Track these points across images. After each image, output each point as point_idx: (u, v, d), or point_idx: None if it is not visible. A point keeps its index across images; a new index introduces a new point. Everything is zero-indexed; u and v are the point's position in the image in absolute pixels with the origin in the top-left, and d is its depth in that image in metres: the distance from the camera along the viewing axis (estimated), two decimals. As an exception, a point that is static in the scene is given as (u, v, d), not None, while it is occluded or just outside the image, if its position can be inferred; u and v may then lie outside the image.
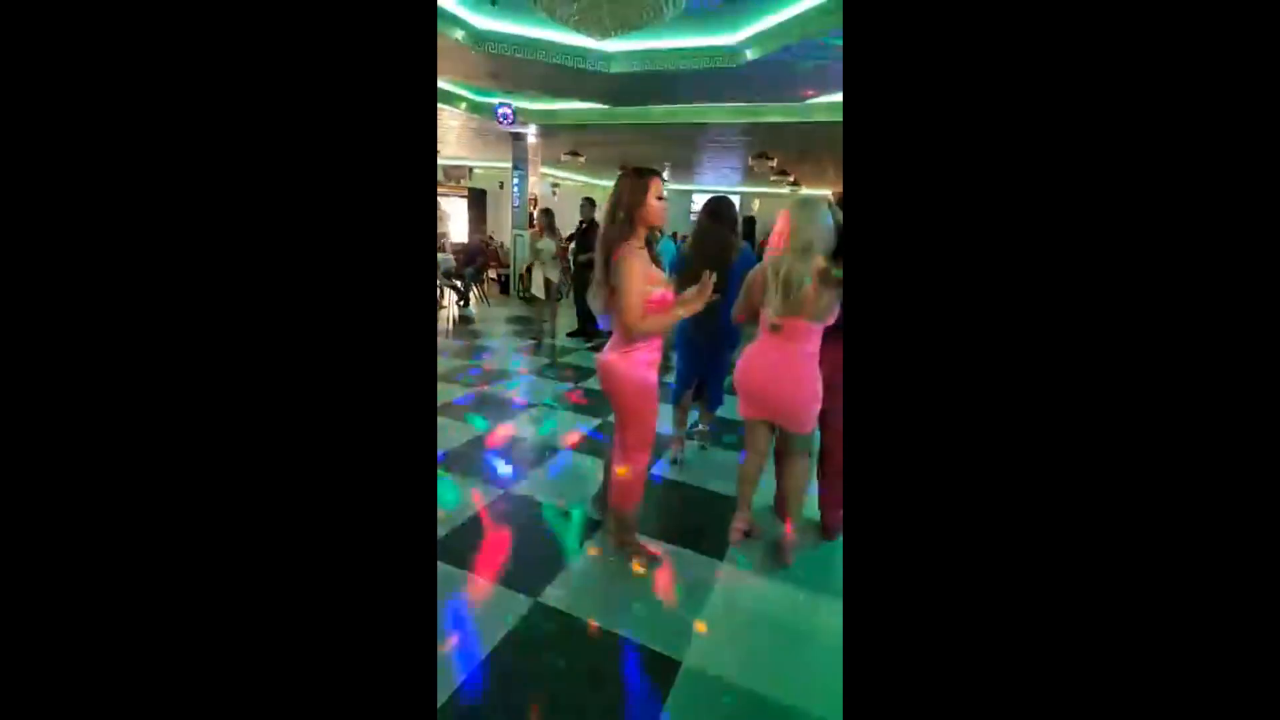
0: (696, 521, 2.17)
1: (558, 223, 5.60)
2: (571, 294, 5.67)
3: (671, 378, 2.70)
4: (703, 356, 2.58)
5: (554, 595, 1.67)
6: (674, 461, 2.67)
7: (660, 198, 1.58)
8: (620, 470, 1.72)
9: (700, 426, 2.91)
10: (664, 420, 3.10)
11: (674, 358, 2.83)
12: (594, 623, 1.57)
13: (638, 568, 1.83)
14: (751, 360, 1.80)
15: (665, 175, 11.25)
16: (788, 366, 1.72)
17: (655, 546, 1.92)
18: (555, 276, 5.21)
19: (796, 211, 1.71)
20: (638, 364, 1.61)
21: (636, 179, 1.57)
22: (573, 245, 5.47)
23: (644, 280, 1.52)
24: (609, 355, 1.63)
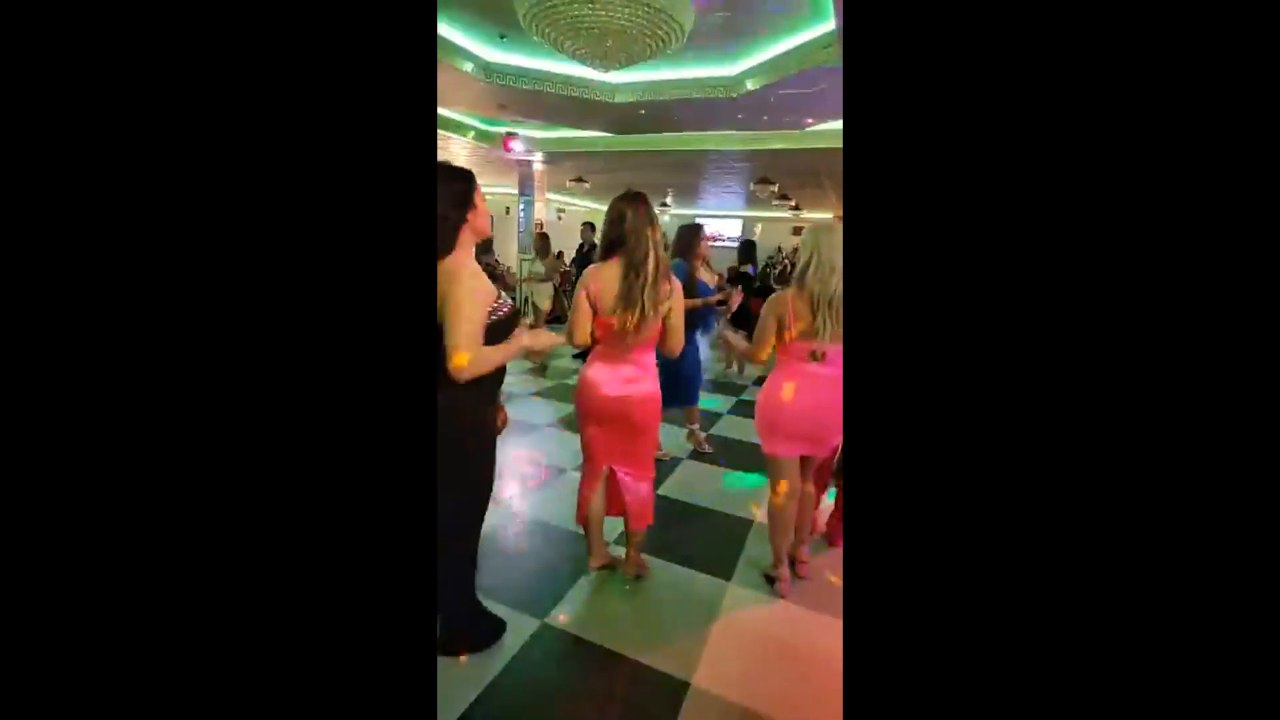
0: (699, 539, 2.16)
1: (561, 247, 5.68)
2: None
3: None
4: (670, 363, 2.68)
5: (561, 617, 1.66)
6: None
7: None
8: (641, 487, 1.75)
9: (698, 432, 3.03)
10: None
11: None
12: (601, 644, 1.55)
13: (639, 573, 1.87)
14: (799, 397, 1.65)
15: (669, 200, 11.46)
16: (837, 394, 1.59)
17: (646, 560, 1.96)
18: (544, 302, 5.25)
19: (820, 236, 1.63)
20: (654, 383, 1.67)
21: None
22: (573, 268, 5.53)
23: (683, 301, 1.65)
24: (633, 388, 1.64)
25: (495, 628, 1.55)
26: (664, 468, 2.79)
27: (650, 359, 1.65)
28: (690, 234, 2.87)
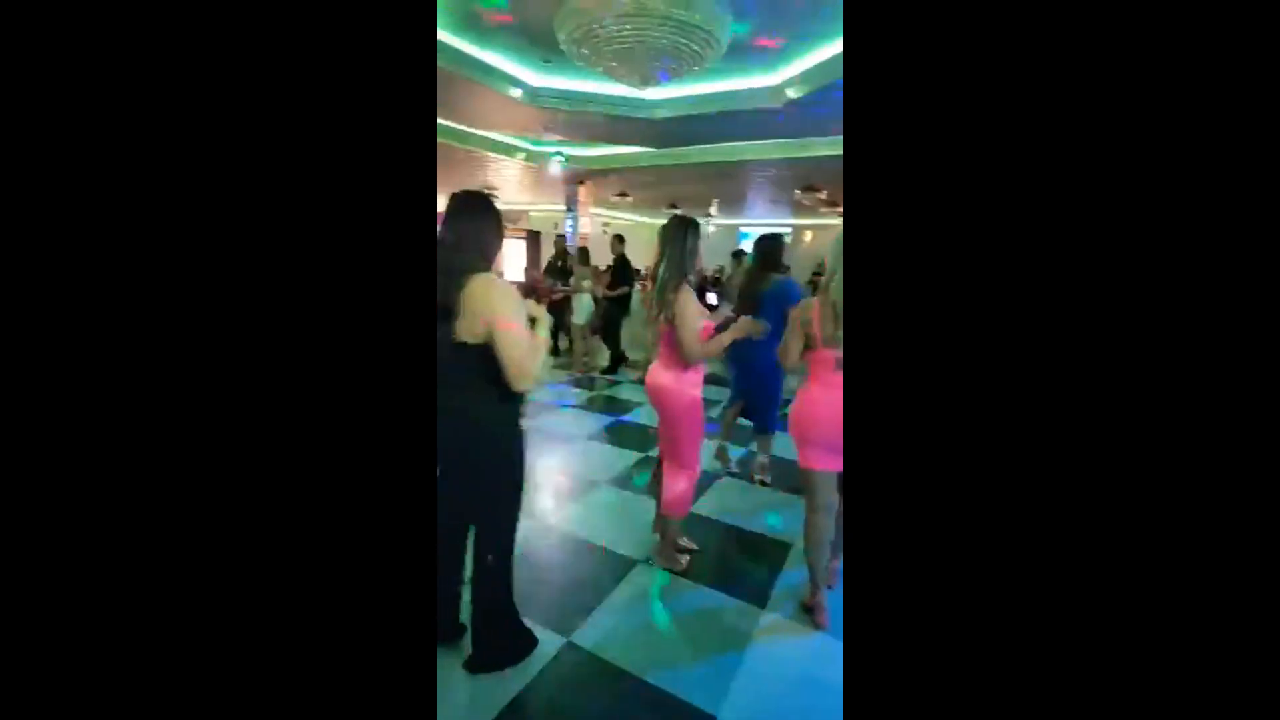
0: (738, 564, 2.09)
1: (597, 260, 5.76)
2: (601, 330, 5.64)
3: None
4: (752, 376, 2.71)
5: (586, 636, 1.64)
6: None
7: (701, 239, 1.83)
8: (677, 480, 1.91)
9: (760, 458, 2.86)
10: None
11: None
12: (626, 667, 1.52)
13: (669, 566, 2.00)
14: (830, 407, 1.60)
15: (714, 210, 11.42)
16: None
17: (690, 543, 2.13)
18: (582, 315, 5.31)
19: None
20: (687, 384, 1.82)
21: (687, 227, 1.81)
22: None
23: (697, 313, 1.75)
24: (661, 378, 1.84)
25: (528, 643, 1.55)
26: (701, 484, 2.73)
27: (677, 355, 1.79)
28: (776, 247, 2.70)
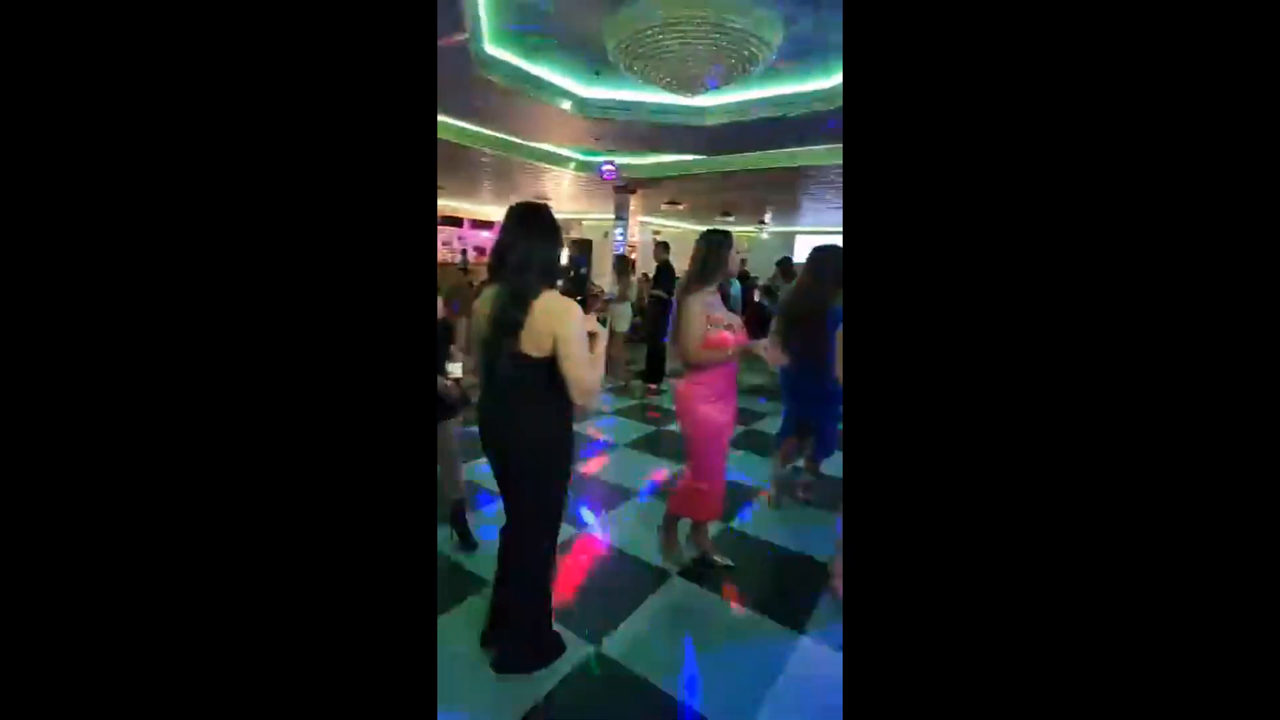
0: (779, 585, 2.01)
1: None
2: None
3: (769, 425, 2.62)
4: (810, 401, 2.48)
5: (615, 645, 1.62)
6: (774, 506, 2.59)
7: (737, 251, 1.88)
8: (689, 481, 1.95)
9: (805, 477, 2.71)
10: (753, 469, 2.97)
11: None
12: (653, 681, 1.49)
13: (681, 560, 2.04)
14: None
15: (767, 219, 11.22)
16: None
17: (724, 558, 2.08)
18: (622, 323, 5.32)
19: None
20: (699, 394, 1.84)
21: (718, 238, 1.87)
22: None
23: (702, 321, 1.78)
24: (682, 383, 1.90)
25: (556, 649, 1.55)
26: (738, 500, 2.66)
27: (693, 364, 1.85)
28: (836, 258, 2.30)
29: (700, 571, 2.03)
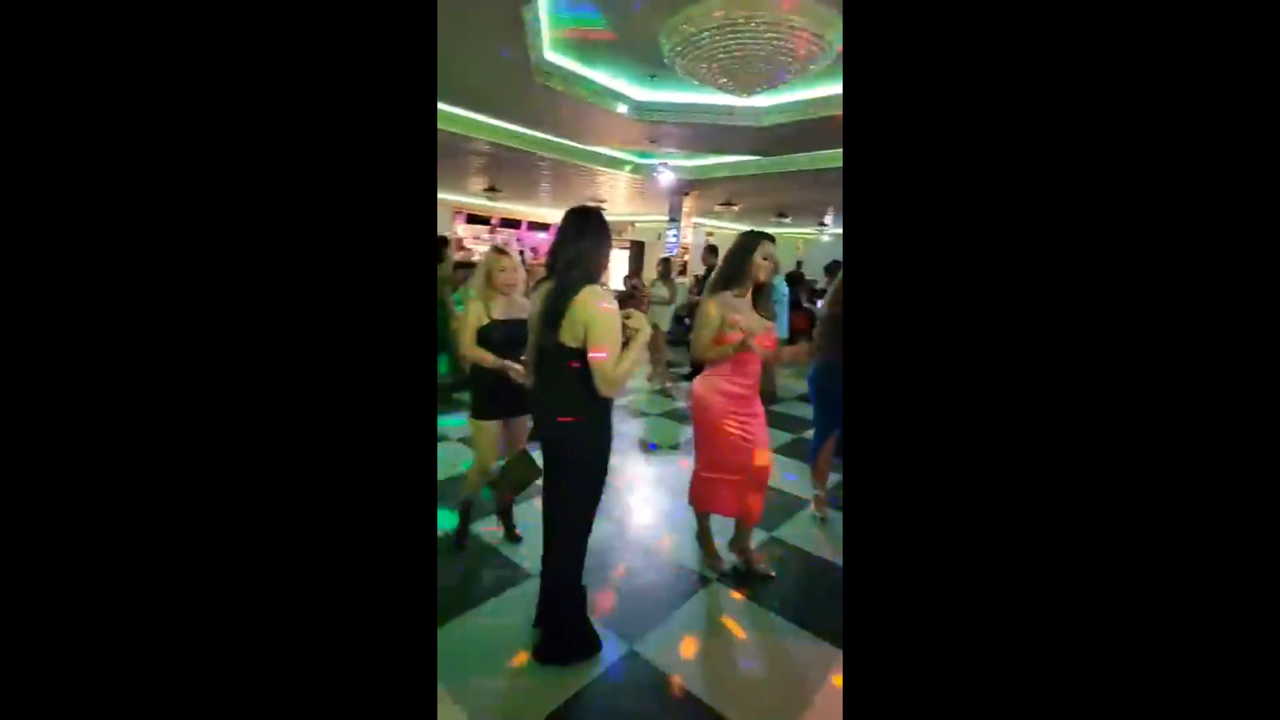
0: (819, 598, 1.95)
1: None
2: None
3: (808, 433, 2.54)
4: (839, 410, 2.38)
5: (649, 646, 1.63)
6: (819, 516, 2.52)
7: (766, 257, 1.85)
8: (697, 473, 1.98)
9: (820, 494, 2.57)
10: (792, 477, 2.89)
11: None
12: (685, 686, 1.49)
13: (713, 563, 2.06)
14: None
15: (829, 220, 10.87)
16: None
17: (767, 567, 2.06)
18: (665, 324, 5.30)
19: None
20: (709, 389, 1.88)
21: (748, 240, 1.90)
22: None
23: (717, 320, 1.82)
24: (698, 379, 1.96)
25: (593, 644, 1.58)
26: (775, 511, 2.60)
27: (704, 361, 1.90)
28: None
29: (740, 579, 2.01)
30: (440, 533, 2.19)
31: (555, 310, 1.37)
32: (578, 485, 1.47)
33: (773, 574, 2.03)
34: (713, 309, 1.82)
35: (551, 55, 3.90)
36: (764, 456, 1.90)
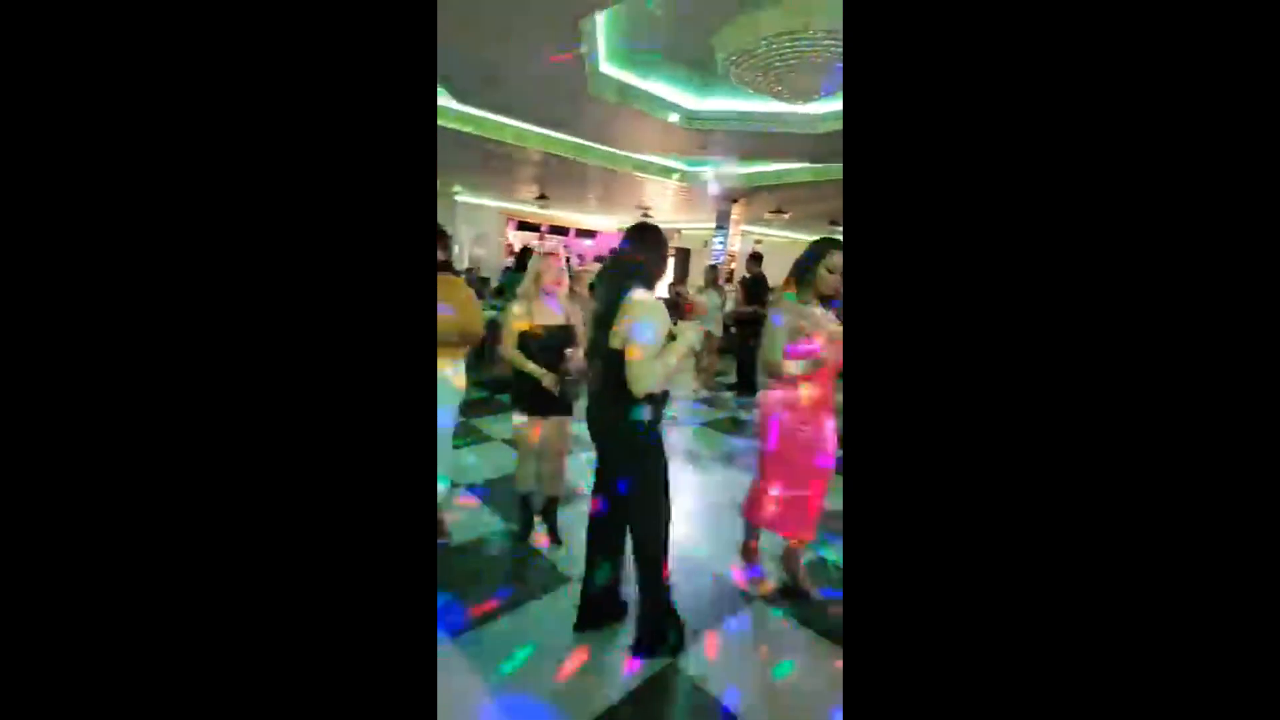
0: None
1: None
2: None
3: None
4: None
5: (691, 662, 1.61)
6: None
7: (831, 270, 1.76)
8: (757, 484, 1.93)
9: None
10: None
11: None
12: (721, 700, 1.46)
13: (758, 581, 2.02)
14: None
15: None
16: None
17: (813, 586, 1.98)
18: (714, 329, 5.22)
19: None
20: (773, 401, 1.84)
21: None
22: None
23: (783, 333, 1.76)
24: (768, 390, 1.90)
25: (682, 636, 1.64)
26: (824, 530, 2.51)
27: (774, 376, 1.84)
28: None
29: (786, 596, 1.95)
30: (503, 527, 2.31)
31: (602, 314, 1.46)
32: (646, 488, 1.53)
33: (817, 593, 1.96)
34: (780, 321, 1.77)
35: (606, 66, 3.97)
36: (829, 474, 1.85)
